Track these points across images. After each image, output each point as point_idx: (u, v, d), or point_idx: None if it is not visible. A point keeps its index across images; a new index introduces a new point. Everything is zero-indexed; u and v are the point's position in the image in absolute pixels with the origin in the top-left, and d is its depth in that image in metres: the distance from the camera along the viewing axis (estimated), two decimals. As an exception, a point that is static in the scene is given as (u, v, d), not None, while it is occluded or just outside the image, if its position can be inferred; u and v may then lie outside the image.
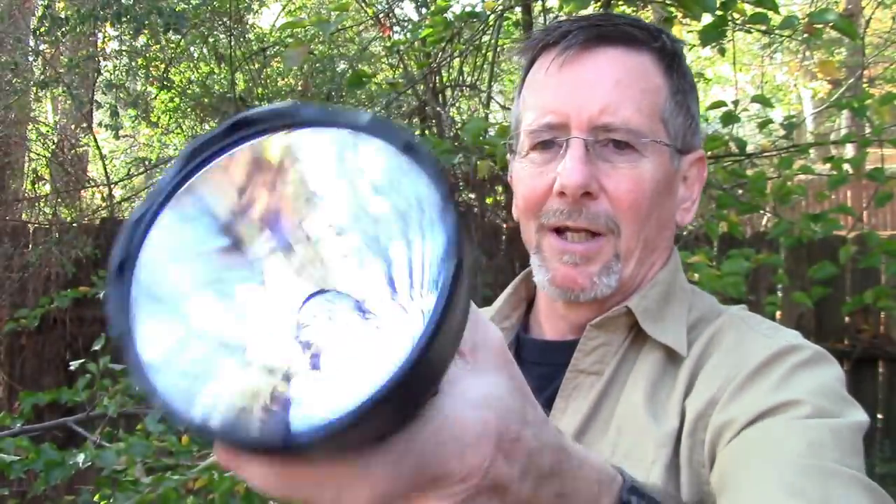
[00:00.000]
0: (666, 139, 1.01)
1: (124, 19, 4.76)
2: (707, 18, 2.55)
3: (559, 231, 1.00)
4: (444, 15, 3.22)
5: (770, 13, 2.57)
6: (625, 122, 0.98)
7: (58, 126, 6.75)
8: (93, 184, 6.39)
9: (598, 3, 2.95)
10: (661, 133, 1.01)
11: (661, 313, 1.02)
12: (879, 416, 4.27)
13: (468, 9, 3.68)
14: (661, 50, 1.03)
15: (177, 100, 6.02)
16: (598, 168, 0.98)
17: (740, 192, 3.11)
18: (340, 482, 0.47)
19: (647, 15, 4.04)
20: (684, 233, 4.36)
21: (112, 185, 6.05)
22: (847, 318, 4.20)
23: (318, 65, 5.65)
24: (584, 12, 2.60)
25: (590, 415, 0.98)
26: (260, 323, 0.48)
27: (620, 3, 3.11)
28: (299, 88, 5.84)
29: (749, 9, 2.59)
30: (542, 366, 1.05)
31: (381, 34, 5.38)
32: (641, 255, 1.01)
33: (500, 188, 4.55)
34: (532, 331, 1.12)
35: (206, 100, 5.75)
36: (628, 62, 1.01)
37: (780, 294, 4.18)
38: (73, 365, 3.12)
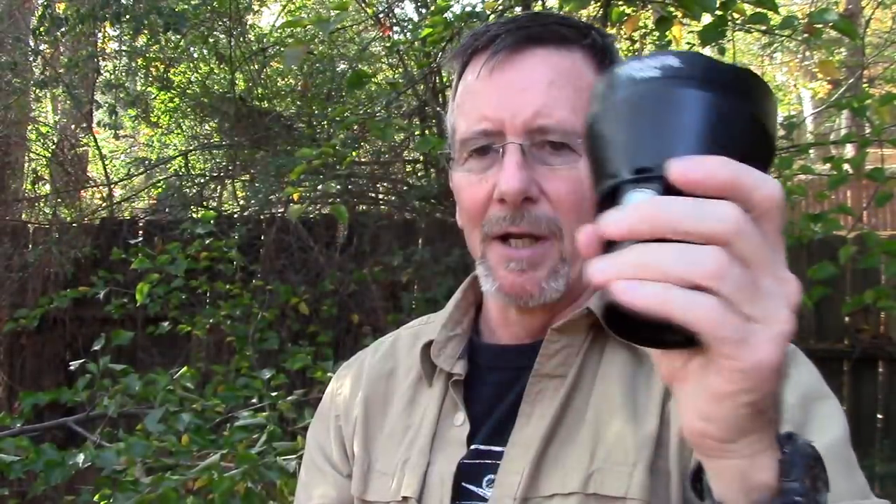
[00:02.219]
0: None
1: (124, 19, 4.76)
2: (707, 18, 2.55)
3: (503, 238, 1.00)
4: (444, 15, 3.22)
5: (770, 13, 2.57)
6: (560, 123, 0.97)
7: (58, 126, 6.75)
8: (93, 184, 6.39)
9: (598, 3, 2.96)
10: None
11: None
12: (879, 416, 4.27)
13: (468, 9, 3.68)
14: (592, 47, 1.03)
15: (177, 100, 6.02)
16: (536, 171, 0.97)
17: (740, 192, 3.10)
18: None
19: (647, 15, 4.04)
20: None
21: (112, 185, 6.04)
22: (847, 318, 4.20)
23: (318, 65, 5.65)
24: (584, 12, 2.60)
25: (558, 418, 0.98)
26: None
27: (620, 3, 3.11)
28: (299, 88, 5.84)
29: (749, 9, 2.59)
30: (500, 370, 1.06)
31: (381, 34, 5.38)
32: None
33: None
34: (484, 335, 1.11)
35: (206, 100, 5.75)
36: (559, 62, 1.00)
37: (780, 294, 4.17)
38: (73, 365, 3.12)
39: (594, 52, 1.03)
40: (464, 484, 1.01)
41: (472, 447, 1.02)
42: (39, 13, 5.46)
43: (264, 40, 5.81)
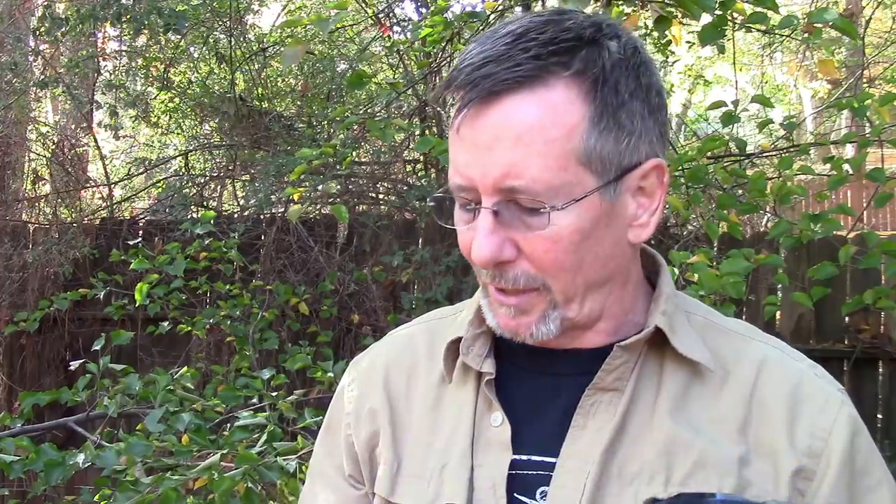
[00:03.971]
0: (590, 182, 0.92)
1: (124, 19, 4.76)
2: (707, 18, 2.55)
3: None
4: (444, 15, 3.22)
5: (770, 13, 2.57)
6: (528, 184, 0.90)
7: (58, 126, 6.75)
8: (93, 184, 6.39)
9: (598, 3, 2.95)
10: (582, 178, 0.91)
11: (677, 328, 1.01)
12: (879, 416, 4.27)
13: (468, 9, 3.68)
14: (581, 72, 0.91)
15: (177, 100, 6.02)
16: (513, 230, 0.93)
17: (740, 192, 3.11)
18: None
19: (646, 14, 4.04)
20: (684, 233, 4.37)
21: (112, 185, 6.04)
22: (847, 318, 4.20)
23: (317, 65, 5.65)
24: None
25: (616, 433, 0.97)
26: None
27: (620, 2, 3.11)
28: (299, 88, 5.84)
29: (748, 8, 2.59)
30: (545, 375, 1.03)
31: (381, 34, 5.38)
32: (586, 295, 0.97)
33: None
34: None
35: (206, 100, 5.75)
36: (529, 111, 0.90)
37: (780, 294, 4.18)
38: (73, 365, 3.12)
39: (582, 79, 0.91)
40: (516, 495, 0.98)
41: (525, 457, 1.00)
42: (39, 13, 5.46)
43: (264, 40, 5.81)
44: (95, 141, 6.12)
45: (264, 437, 2.61)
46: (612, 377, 0.98)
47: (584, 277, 0.95)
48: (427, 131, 4.77)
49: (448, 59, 4.17)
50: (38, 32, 5.27)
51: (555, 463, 0.97)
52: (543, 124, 0.90)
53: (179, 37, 5.42)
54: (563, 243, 0.92)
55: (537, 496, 0.98)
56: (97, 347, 3.01)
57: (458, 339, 1.06)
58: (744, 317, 4.26)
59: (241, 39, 5.62)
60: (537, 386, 1.03)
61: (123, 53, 6.08)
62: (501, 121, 0.90)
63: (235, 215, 5.18)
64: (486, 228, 0.92)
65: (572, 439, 0.97)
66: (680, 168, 2.87)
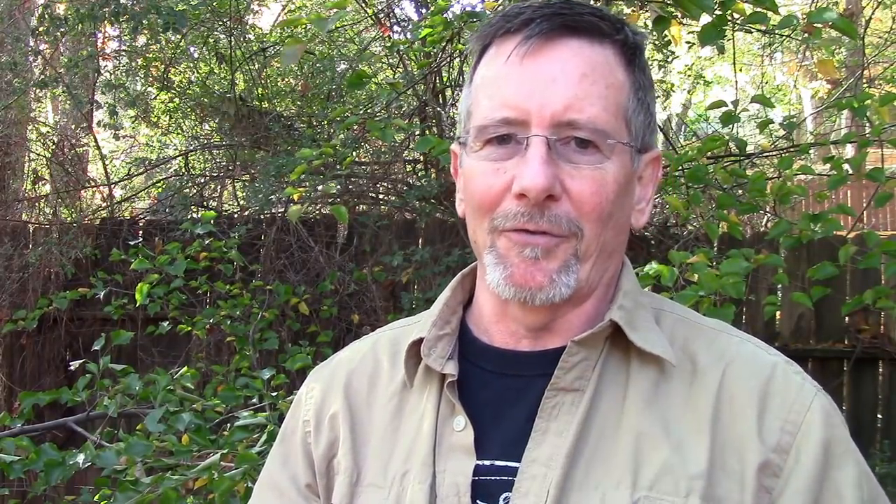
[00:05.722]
0: (628, 139, 0.96)
1: (122, 18, 4.76)
2: (706, 18, 2.55)
3: (515, 232, 0.95)
4: (444, 15, 3.22)
5: (769, 13, 2.57)
6: (591, 120, 0.92)
7: (58, 126, 6.75)
8: (93, 184, 6.39)
9: (598, 3, 2.95)
10: (624, 133, 0.96)
11: (637, 323, 0.99)
12: (879, 416, 4.27)
13: (468, 9, 3.68)
14: (624, 43, 0.97)
15: (177, 100, 6.01)
16: (560, 168, 0.92)
17: (740, 192, 3.11)
18: None
19: (646, 15, 4.04)
20: (684, 233, 4.36)
21: (112, 185, 6.04)
22: (847, 318, 4.20)
23: (318, 65, 5.65)
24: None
25: (579, 436, 0.94)
26: None
27: (620, 2, 3.11)
28: (299, 89, 5.84)
29: (748, 8, 2.59)
30: (509, 377, 1.01)
31: (381, 34, 5.38)
32: (598, 258, 0.97)
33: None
34: (475, 335, 1.05)
35: (206, 100, 5.75)
36: (593, 55, 0.95)
37: (780, 294, 4.18)
38: (73, 365, 3.12)
39: (625, 49, 0.97)
40: (479, 502, 0.95)
41: (488, 462, 0.96)
42: (39, 13, 5.46)
43: (264, 40, 5.81)
44: (95, 141, 6.12)
45: (264, 437, 2.61)
46: (572, 376, 0.96)
47: (605, 236, 0.96)
48: (427, 131, 4.77)
49: (448, 59, 4.17)
50: (37, 32, 5.26)
51: (518, 468, 0.94)
52: (605, 71, 0.95)
53: (179, 37, 5.41)
54: (607, 189, 0.94)
55: (501, 502, 0.95)
56: (97, 347, 3.01)
57: (420, 341, 1.03)
58: (744, 317, 4.26)
59: (241, 39, 5.61)
60: (501, 388, 1.00)
61: (123, 53, 6.08)
62: (569, 56, 0.94)
63: (235, 215, 5.18)
64: (542, 156, 0.92)
65: (534, 444, 0.95)
66: (680, 168, 2.87)
